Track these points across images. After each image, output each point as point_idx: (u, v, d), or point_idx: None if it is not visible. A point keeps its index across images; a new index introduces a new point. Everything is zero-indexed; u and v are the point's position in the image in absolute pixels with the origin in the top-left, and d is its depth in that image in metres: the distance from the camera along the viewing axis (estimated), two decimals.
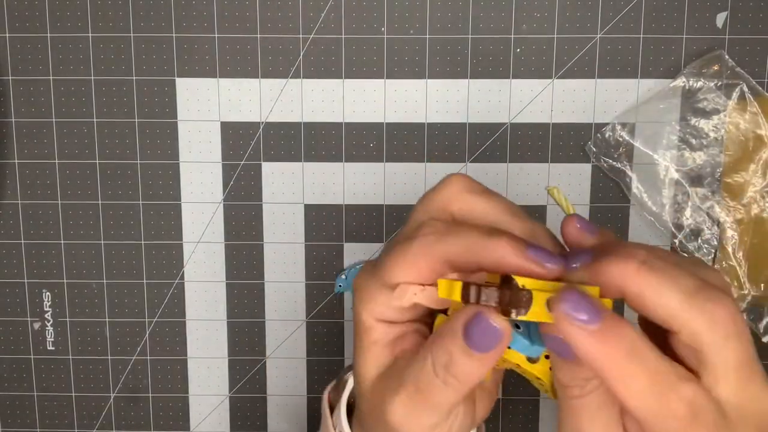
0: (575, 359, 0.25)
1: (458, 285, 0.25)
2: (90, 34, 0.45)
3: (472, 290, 0.25)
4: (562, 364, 0.26)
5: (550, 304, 0.24)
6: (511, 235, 0.27)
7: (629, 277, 0.24)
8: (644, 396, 0.24)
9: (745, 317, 0.26)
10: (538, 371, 0.28)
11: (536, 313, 0.25)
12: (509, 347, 0.28)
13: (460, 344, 0.26)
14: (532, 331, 0.28)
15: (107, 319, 0.48)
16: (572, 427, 0.27)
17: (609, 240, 0.28)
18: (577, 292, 0.24)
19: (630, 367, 0.24)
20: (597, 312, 0.24)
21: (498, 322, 0.25)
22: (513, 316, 0.25)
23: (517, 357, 0.28)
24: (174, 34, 0.45)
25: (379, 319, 0.29)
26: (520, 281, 0.25)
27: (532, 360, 0.28)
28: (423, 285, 0.28)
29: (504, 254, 0.26)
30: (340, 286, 0.47)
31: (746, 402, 0.25)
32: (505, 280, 0.26)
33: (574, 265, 0.26)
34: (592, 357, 0.24)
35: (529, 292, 0.25)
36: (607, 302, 0.25)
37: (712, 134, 0.45)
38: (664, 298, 0.24)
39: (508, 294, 0.25)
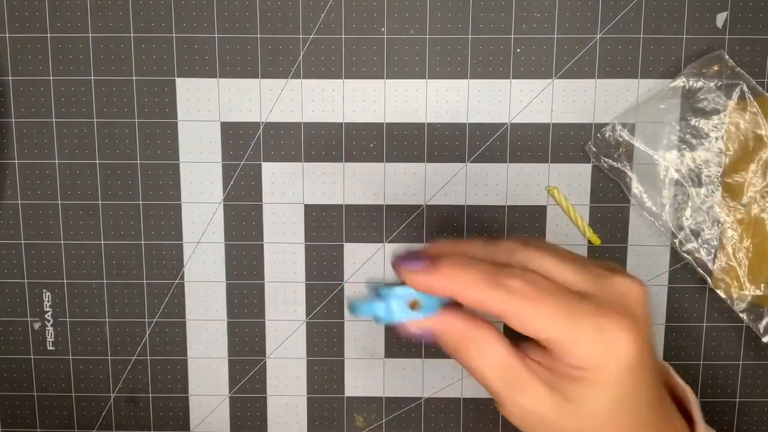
0: (435, 336, 0.31)
1: None
2: (90, 34, 0.45)
3: None
4: (442, 346, 0.32)
5: (395, 269, 0.31)
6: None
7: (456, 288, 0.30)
8: (486, 292, 0.29)
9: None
10: None
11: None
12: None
13: None
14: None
15: (107, 319, 0.48)
16: (482, 379, 0.31)
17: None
18: (403, 255, 0.31)
19: (461, 272, 0.29)
20: (420, 259, 0.30)
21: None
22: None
23: None
24: (174, 34, 0.45)
25: None
26: None
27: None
28: None
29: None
30: (379, 315, 0.32)
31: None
32: None
33: (406, 267, 0.31)
34: (437, 286, 0.29)
35: None
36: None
37: (712, 134, 0.45)
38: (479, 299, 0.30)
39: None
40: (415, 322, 0.31)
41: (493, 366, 0.30)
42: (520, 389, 0.30)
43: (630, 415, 0.30)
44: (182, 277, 0.48)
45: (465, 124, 0.46)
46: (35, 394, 0.49)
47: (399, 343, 0.48)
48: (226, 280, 0.48)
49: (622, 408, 0.30)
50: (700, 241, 0.46)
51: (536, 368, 0.30)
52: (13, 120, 0.46)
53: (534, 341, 0.30)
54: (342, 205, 0.47)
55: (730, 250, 0.45)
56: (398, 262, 0.30)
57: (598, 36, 0.45)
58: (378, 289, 0.33)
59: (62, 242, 0.47)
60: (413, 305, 0.31)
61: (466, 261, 0.30)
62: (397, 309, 0.31)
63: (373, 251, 0.47)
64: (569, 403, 0.30)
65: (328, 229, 0.47)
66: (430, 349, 0.48)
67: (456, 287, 0.29)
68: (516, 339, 0.31)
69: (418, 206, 0.47)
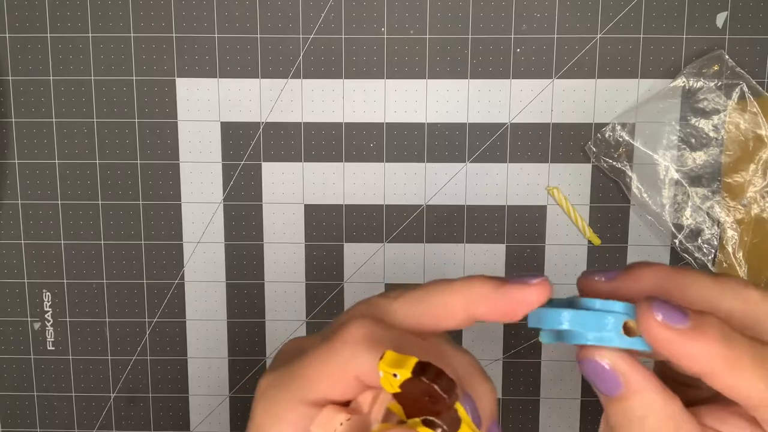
0: (624, 389, 0.24)
1: (411, 362, 0.21)
2: (90, 34, 0.45)
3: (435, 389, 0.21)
4: (612, 405, 0.24)
5: (639, 316, 0.23)
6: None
7: (729, 366, 0.23)
8: (752, 378, 0.23)
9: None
10: None
11: None
12: None
13: None
14: None
15: (107, 319, 0.48)
16: None
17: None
18: (659, 298, 0.23)
19: (731, 352, 0.23)
20: (683, 311, 0.23)
21: None
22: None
23: None
24: (174, 34, 0.45)
25: None
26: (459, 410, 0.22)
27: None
28: (350, 414, 0.24)
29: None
30: (571, 328, 0.24)
31: None
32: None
33: (663, 319, 0.23)
34: (693, 356, 0.23)
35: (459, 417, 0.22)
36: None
37: (712, 134, 0.45)
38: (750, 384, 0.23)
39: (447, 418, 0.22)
40: (609, 352, 0.23)
41: None
42: None
43: None
44: (182, 277, 0.48)
45: (465, 124, 0.46)
46: (35, 394, 0.49)
47: None
48: (226, 280, 0.48)
49: None
50: (700, 241, 0.46)
51: None
52: (13, 120, 0.46)
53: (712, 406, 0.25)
54: (342, 205, 0.47)
55: (730, 250, 0.45)
56: (648, 303, 0.23)
57: (598, 36, 0.45)
58: (573, 301, 0.24)
59: (62, 242, 0.47)
60: (629, 329, 0.23)
61: (730, 330, 0.23)
62: (605, 326, 0.23)
63: (373, 251, 0.47)
64: None
65: (328, 229, 0.47)
66: None
67: (714, 363, 0.23)
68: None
69: (418, 206, 0.47)
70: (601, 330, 0.23)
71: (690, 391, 0.27)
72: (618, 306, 0.23)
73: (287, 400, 0.25)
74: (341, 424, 0.24)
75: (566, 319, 0.23)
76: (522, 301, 0.24)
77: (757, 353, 0.23)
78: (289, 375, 0.25)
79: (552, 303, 0.24)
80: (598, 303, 0.24)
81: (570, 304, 0.24)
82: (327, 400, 0.24)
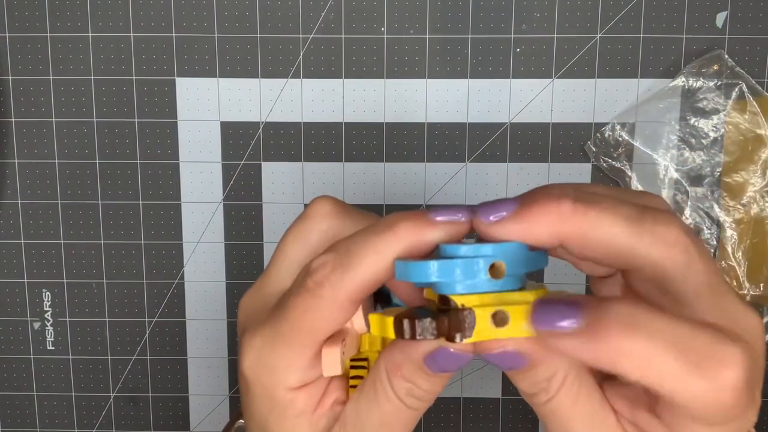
0: (529, 364, 0.23)
1: (389, 321, 0.22)
2: (90, 34, 0.45)
3: (406, 325, 0.22)
4: (517, 374, 0.23)
5: (531, 322, 0.21)
6: (406, 217, 0.23)
7: (566, 218, 0.21)
8: (680, 371, 0.20)
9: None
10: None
11: (481, 331, 0.22)
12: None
13: (422, 372, 0.24)
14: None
15: (107, 319, 0.48)
16: (559, 428, 0.24)
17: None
18: (544, 300, 0.21)
19: (647, 344, 0.19)
20: (572, 309, 0.20)
21: (460, 349, 0.22)
22: (457, 341, 0.22)
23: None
24: (174, 34, 0.45)
25: (300, 386, 0.25)
26: (459, 300, 0.22)
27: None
28: (344, 341, 0.25)
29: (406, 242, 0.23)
30: (438, 280, 0.23)
31: (730, 324, 0.21)
32: (443, 300, 0.22)
33: (492, 218, 0.22)
34: (599, 358, 0.20)
35: (471, 311, 0.22)
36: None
37: (711, 134, 0.45)
38: (610, 231, 0.21)
39: (446, 320, 0.22)
40: (502, 341, 0.22)
41: (585, 419, 0.23)
42: None
43: None
44: (182, 277, 0.48)
45: (465, 124, 0.46)
46: (35, 394, 0.49)
47: None
48: (226, 280, 0.48)
49: None
50: None
51: (625, 424, 0.24)
52: (13, 120, 0.46)
53: (614, 386, 0.24)
54: None
55: (729, 249, 0.45)
56: (471, 211, 0.23)
57: (598, 36, 0.45)
58: (441, 246, 0.23)
59: (62, 242, 0.47)
60: (494, 271, 0.22)
61: (640, 314, 0.20)
62: (467, 273, 0.22)
63: None
64: None
65: None
66: None
67: (583, 222, 0.21)
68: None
69: (418, 206, 0.47)
70: (472, 278, 0.22)
71: None
72: (486, 249, 0.22)
73: (288, 352, 0.25)
74: (342, 353, 0.25)
75: (434, 272, 0.22)
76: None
77: (674, 334, 0.20)
78: (278, 328, 0.24)
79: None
80: (463, 249, 0.22)
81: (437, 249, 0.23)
82: (326, 337, 0.25)
